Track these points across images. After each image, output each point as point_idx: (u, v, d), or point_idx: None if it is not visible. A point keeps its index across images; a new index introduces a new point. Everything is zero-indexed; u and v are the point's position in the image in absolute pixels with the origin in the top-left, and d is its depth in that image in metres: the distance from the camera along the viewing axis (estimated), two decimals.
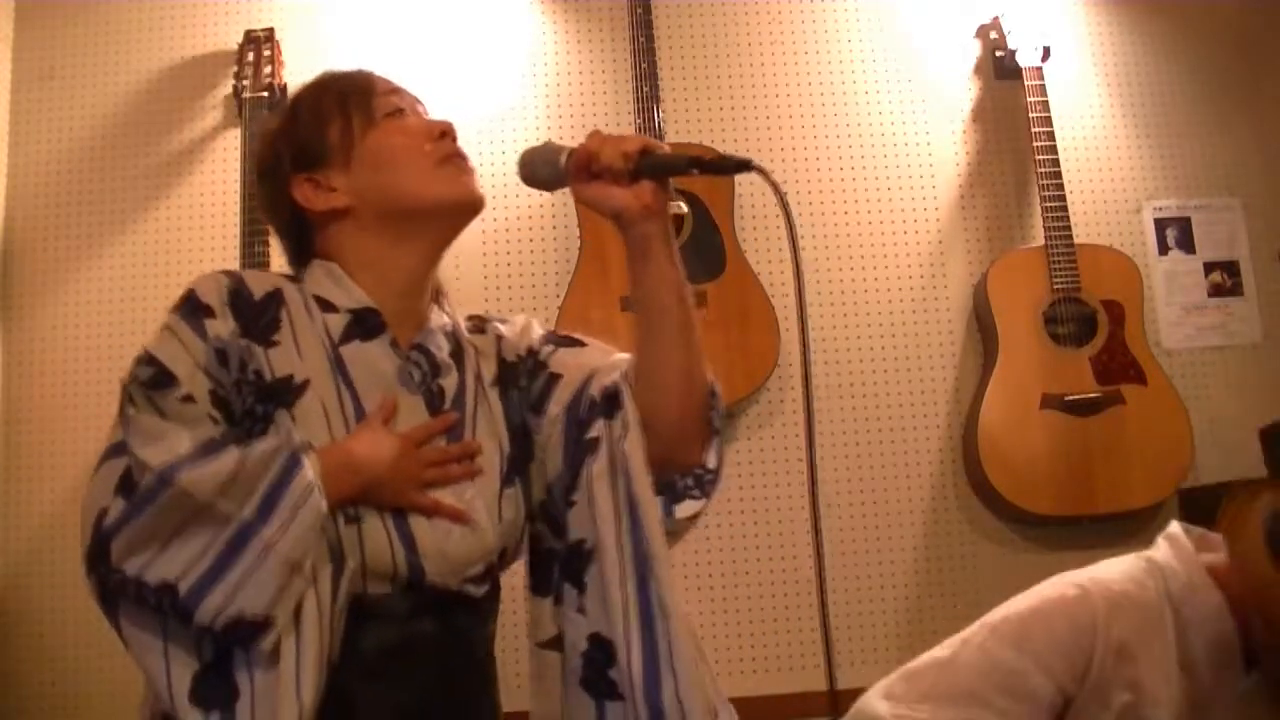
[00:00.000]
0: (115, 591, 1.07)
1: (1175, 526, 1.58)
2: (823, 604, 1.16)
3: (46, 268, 2.63)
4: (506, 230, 2.68)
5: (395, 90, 1.32)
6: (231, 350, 1.17)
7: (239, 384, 1.17)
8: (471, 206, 1.28)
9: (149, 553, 1.05)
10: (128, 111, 2.71)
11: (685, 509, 1.28)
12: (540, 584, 1.28)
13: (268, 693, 1.05)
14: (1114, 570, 1.54)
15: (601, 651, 1.19)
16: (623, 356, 1.29)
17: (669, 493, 1.28)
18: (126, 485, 1.08)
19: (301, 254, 1.31)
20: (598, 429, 1.23)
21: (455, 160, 1.27)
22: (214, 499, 1.06)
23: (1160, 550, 1.56)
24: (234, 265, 2.50)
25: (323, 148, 1.27)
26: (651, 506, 1.19)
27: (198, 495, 1.05)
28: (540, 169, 1.24)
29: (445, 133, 1.28)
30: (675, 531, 1.29)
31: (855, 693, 1.61)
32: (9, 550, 2.51)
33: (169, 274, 2.60)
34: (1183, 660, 1.47)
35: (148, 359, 1.15)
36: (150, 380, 1.13)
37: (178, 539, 1.05)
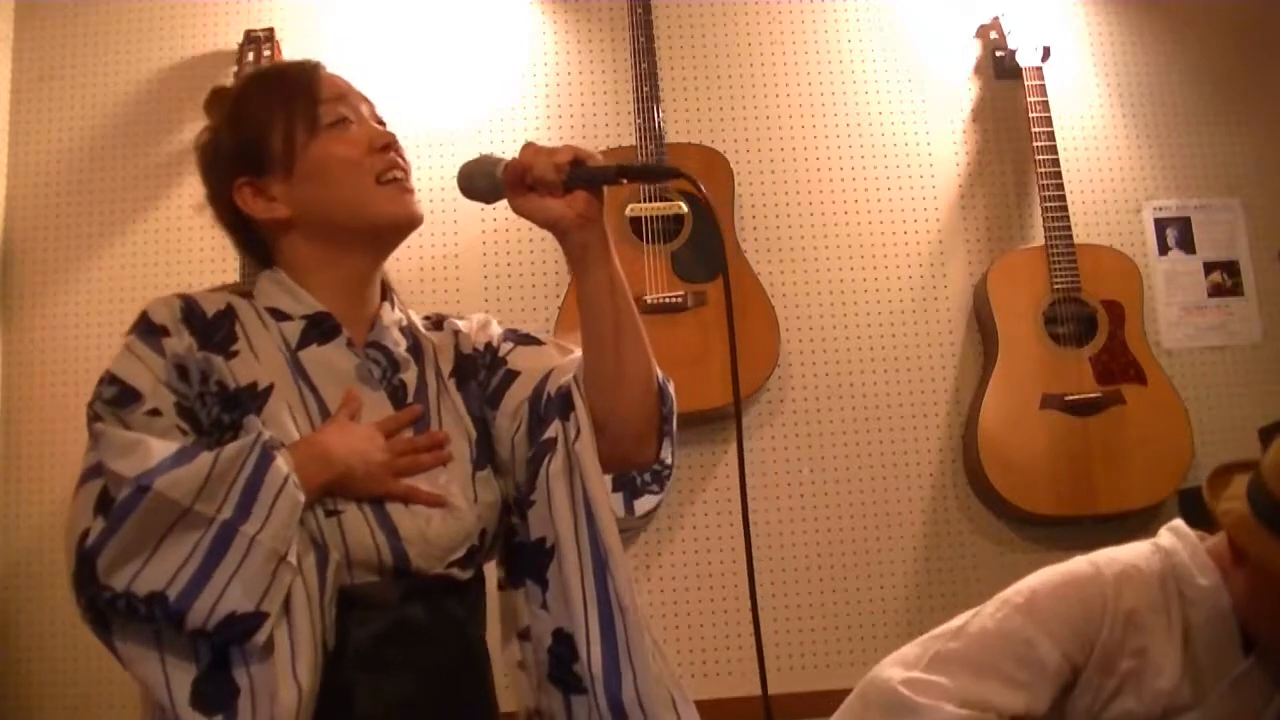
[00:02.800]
0: (106, 609, 1.07)
1: (1179, 522, 1.62)
2: (754, 610, 1.18)
3: (46, 268, 2.63)
4: (506, 230, 2.68)
5: (341, 96, 1.30)
6: (190, 364, 1.18)
7: (202, 396, 1.18)
8: (408, 226, 1.29)
9: (135, 565, 1.06)
10: (128, 111, 2.71)
11: (644, 504, 1.31)
12: (514, 578, 1.30)
13: (266, 681, 1.06)
14: (1122, 549, 1.59)
15: (564, 647, 1.22)
16: (576, 356, 1.30)
17: (628, 489, 1.29)
18: (105, 503, 1.08)
19: (253, 251, 1.32)
20: (554, 429, 1.24)
21: (395, 176, 1.27)
22: (192, 502, 1.07)
23: (1164, 537, 1.60)
24: (233, 266, 2.50)
25: (264, 154, 1.26)
26: (605, 506, 1.21)
27: (176, 499, 1.06)
28: (478, 181, 1.24)
29: (388, 145, 1.28)
30: (633, 529, 1.31)
31: (842, 693, 1.62)
32: (9, 550, 2.51)
33: (169, 274, 2.60)
34: (1184, 635, 1.51)
35: (110, 378, 1.16)
36: (114, 398, 1.14)
37: (161, 548, 1.06)
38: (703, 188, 1.19)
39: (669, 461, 1.31)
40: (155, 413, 1.14)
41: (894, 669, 1.54)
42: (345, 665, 1.14)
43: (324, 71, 1.31)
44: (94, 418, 1.14)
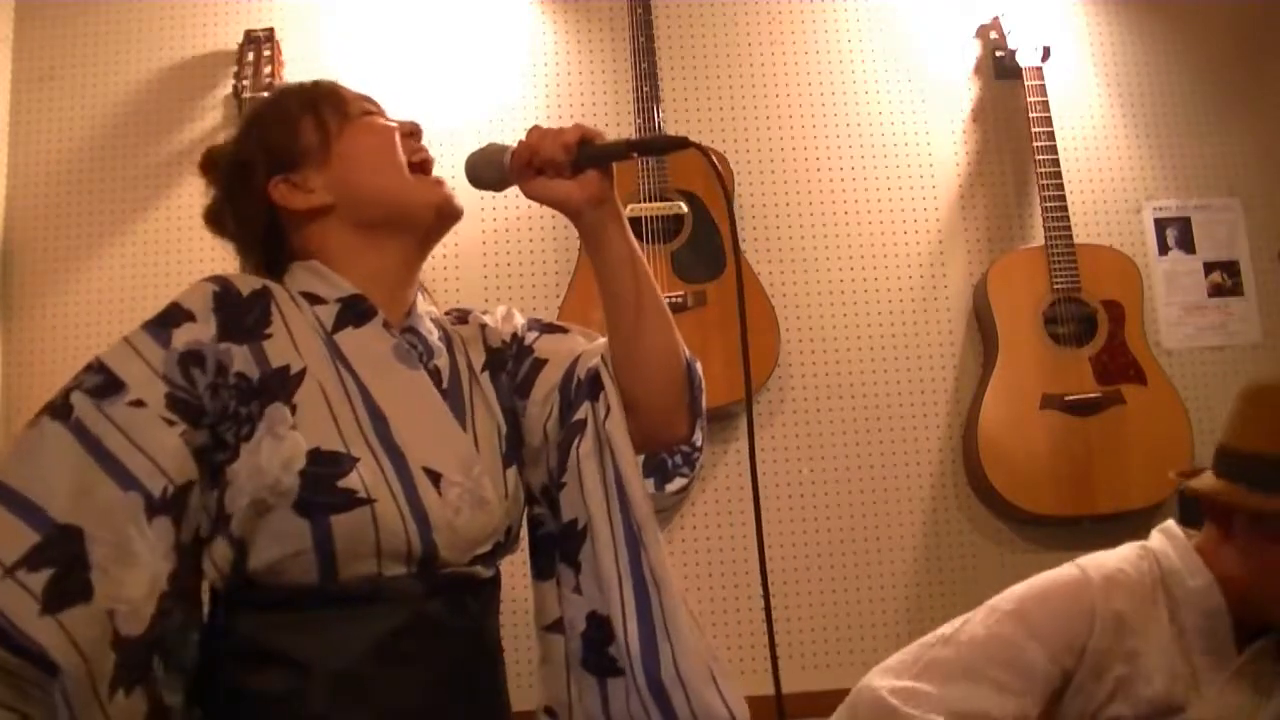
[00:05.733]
0: None
1: (1170, 522, 1.63)
2: (767, 608, 1.18)
3: (46, 268, 2.63)
4: (506, 230, 2.68)
5: (365, 97, 1.33)
6: (208, 353, 1.15)
7: (215, 387, 1.15)
8: (449, 216, 1.29)
9: None
10: (128, 112, 2.71)
11: (675, 485, 1.31)
12: (542, 568, 1.31)
13: None
14: (1110, 554, 1.59)
15: (599, 629, 1.22)
16: (603, 341, 1.31)
17: (659, 473, 1.31)
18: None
19: (275, 262, 1.30)
20: (583, 411, 1.25)
21: (422, 158, 1.29)
22: None
23: (1154, 539, 1.61)
24: (233, 265, 2.50)
25: (296, 149, 1.27)
26: (637, 483, 1.22)
27: None
28: (485, 171, 1.25)
29: (413, 132, 1.30)
30: (666, 509, 1.32)
31: (841, 693, 1.62)
32: None
33: (169, 274, 2.60)
34: (1175, 637, 1.51)
35: (98, 366, 1.12)
36: (97, 388, 1.10)
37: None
38: (711, 155, 1.21)
39: (699, 443, 1.32)
40: (139, 404, 1.10)
41: (883, 678, 1.54)
42: (363, 659, 1.14)
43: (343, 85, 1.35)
44: (63, 401, 1.09)
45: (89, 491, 1.06)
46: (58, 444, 1.07)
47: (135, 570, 1.06)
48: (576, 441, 1.24)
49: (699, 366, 1.30)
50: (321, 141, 1.27)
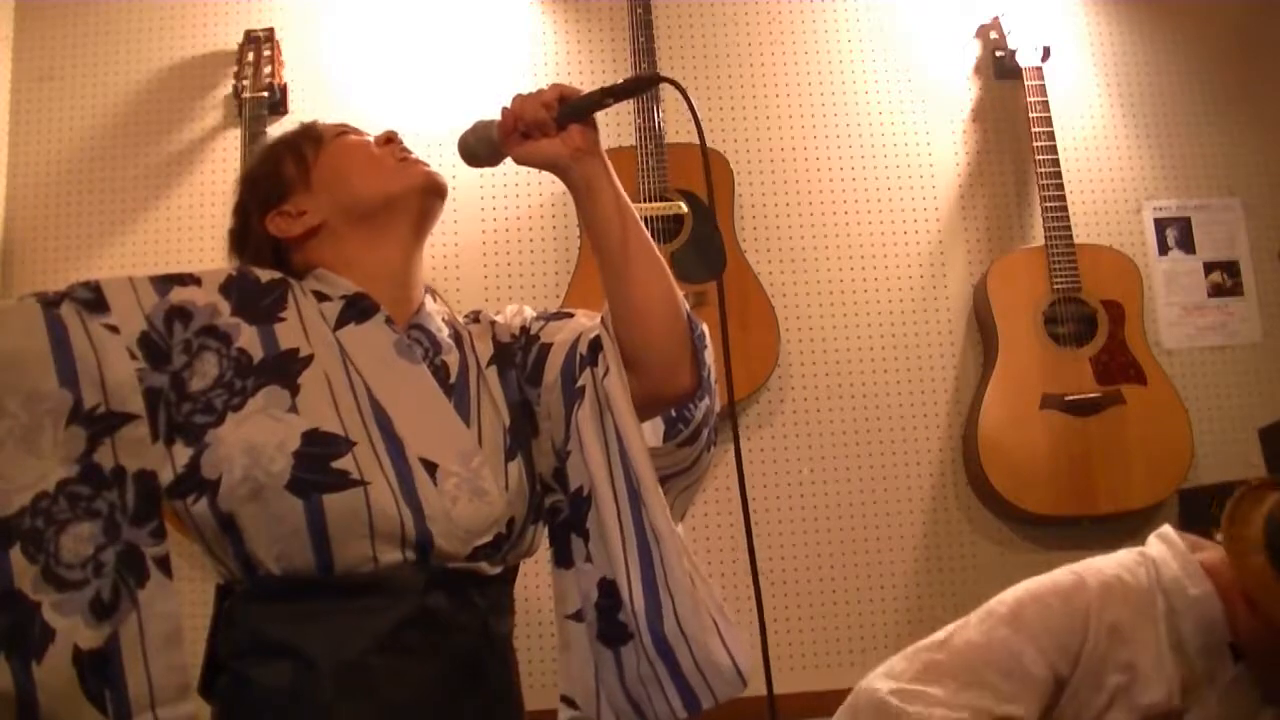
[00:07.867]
0: None
1: (1167, 528, 1.62)
2: (760, 610, 1.18)
3: (46, 268, 2.63)
4: (506, 230, 2.68)
5: (341, 124, 1.39)
6: (197, 314, 1.20)
7: (189, 344, 1.19)
8: (434, 190, 1.33)
9: None
10: (128, 111, 2.71)
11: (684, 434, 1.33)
12: (561, 556, 1.32)
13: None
14: (1108, 560, 1.59)
15: (609, 597, 1.24)
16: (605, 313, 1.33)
17: (672, 435, 1.32)
18: None
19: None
20: (584, 378, 1.28)
21: (405, 158, 1.34)
22: None
23: (1153, 545, 1.60)
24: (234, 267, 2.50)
25: (282, 182, 1.33)
26: (636, 436, 1.24)
27: None
28: (477, 148, 1.29)
29: (390, 139, 1.35)
30: (681, 468, 1.33)
31: (841, 693, 1.62)
32: None
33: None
34: (1173, 645, 1.50)
35: (94, 285, 1.19)
36: (85, 301, 1.17)
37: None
38: (685, 91, 1.26)
39: (703, 397, 1.31)
40: (113, 329, 1.16)
41: (882, 681, 1.54)
42: (368, 650, 1.15)
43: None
44: (52, 300, 1.15)
45: (26, 371, 1.10)
46: (26, 316, 1.14)
47: (30, 458, 1.08)
48: (576, 406, 1.26)
49: (703, 324, 1.31)
50: (301, 168, 1.33)
